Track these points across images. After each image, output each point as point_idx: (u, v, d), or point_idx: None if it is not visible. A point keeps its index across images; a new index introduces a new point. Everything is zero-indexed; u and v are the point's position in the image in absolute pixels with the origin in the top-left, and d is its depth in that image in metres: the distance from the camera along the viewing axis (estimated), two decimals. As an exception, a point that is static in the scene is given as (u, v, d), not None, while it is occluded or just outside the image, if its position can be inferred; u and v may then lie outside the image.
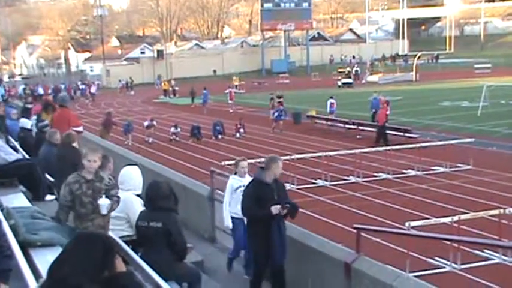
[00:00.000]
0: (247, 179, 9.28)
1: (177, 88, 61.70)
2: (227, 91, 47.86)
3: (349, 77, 64.17)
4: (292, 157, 21.01)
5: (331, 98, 36.97)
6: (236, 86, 61.00)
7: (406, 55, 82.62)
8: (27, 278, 4.35)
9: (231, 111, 43.84)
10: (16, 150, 10.56)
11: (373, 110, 32.24)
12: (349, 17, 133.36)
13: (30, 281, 4.26)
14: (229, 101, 46.27)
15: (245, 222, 8.80)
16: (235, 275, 9.77)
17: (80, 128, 13.83)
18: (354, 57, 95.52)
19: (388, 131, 27.52)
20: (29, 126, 13.32)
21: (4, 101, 25.49)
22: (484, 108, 35.22)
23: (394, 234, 12.18)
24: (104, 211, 6.55)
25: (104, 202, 6.56)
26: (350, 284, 7.64)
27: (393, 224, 14.32)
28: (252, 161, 20.90)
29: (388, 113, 28.23)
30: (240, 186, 9.29)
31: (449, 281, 10.68)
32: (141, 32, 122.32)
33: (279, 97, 38.75)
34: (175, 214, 6.76)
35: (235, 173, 9.72)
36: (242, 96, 56.15)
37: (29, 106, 16.91)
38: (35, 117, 14.68)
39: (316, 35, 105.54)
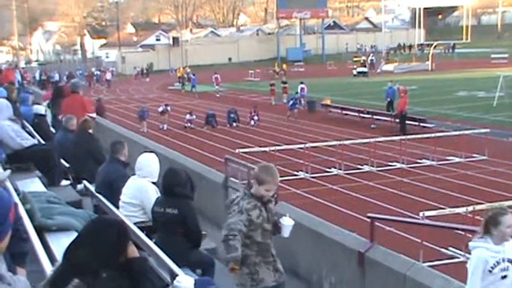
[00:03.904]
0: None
1: (192, 75, 61.84)
2: (214, 77, 50.36)
3: (365, 66, 63.97)
4: (307, 145, 21.00)
5: (302, 83, 39.06)
6: (277, 72, 61.32)
7: (422, 44, 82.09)
8: (43, 262, 4.38)
9: (217, 95, 47.62)
10: (32, 135, 10.60)
11: (388, 100, 32.13)
12: (365, 6, 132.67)
13: (45, 265, 4.28)
14: (216, 86, 49.47)
15: None
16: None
17: (94, 114, 13.94)
18: (372, 46, 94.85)
19: (406, 121, 27.41)
20: (43, 112, 13.39)
21: (21, 86, 25.57)
22: (500, 98, 34.93)
23: (408, 224, 12.17)
24: (288, 233, 5.51)
25: (289, 222, 5.50)
26: (364, 272, 7.64)
27: (407, 213, 14.29)
28: (266, 149, 21.00)
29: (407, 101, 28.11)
30: (501, 261, 5.34)
31: (463, 272, 10.61)
32: (156, 19, 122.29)
33: (284, 83, 41.66)
34: (191, 201, 6.76)
35: (486, 237, 5.42)
36: (257, 84, 56.09)
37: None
38: (46, 102, 14.78)
39: (332, 24, 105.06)
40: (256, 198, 5.30)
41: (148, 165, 7.47)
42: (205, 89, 50.88)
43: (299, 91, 38.22)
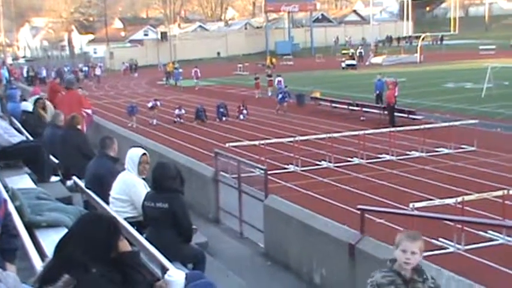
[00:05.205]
0: None
1: (180, 70, 61.62)
2: (193, 71, 51.30)
3: (353, 59, 64.07)
4: (296, 139, 21.01)
5: (279, 76, 41.09)
6: (269, 66, 61.16)
7: (410, 36, 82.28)
8: (33, 258, 4.37)
9: (196, 88, 48.87)
10: (20, 132, 10.57)
11: (377, 92, 32.20)
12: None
13: (35, 261, 4.28)
14: (195, 79, 50.51)
15: None
16: (239, 256, 9.80)
17: (90, 111, 13.96)
18: (363, 38, 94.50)
19: (395, 113, 27.50)
20: (30, 109, 13.36)
21: (8, 83, 25.46)
22: (488, 89, 35.07)
23: (398, 215, 12.22)
24: None
25: None
26: (354, 264, 7.67)
27: (397, 205, 14.34)
28: (256, 142, 21.00)
29: (396, 94, 28.18)
30: None
31: (453, 262, 10.69)
32: (144, 14, 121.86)
33: (269, 76, 42.83)
34: (182, 195, 6.76)
35: None
36: (246, 78, 56.06)
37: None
38: (34, 97, 14.75)
39: (320, 17, 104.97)
40: (396, 273, 4.40)
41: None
42: (192, 84, 50.73)
43: (276, 84, 39.47)
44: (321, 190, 16.64)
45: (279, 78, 40.03)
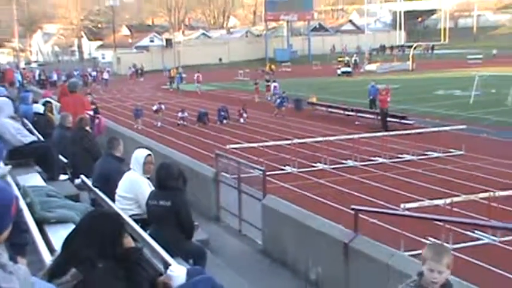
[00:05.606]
0: None
1: (184, 75, 61.62)
2: (195, 75, 51.32)
3: (349, 66, 64.10)
4: (294, 141, 21.01)
5: (274, 81, 42.14)
6: (268, 73, 61.13)
7: (402, 45, 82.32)
8: (43, 252, 4.37)
9: (198, 92, 48.82)
10: (32, 132, 10.55)
11: (371, 97, 32.22)
12: (349, 9, 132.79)
13: (45, 255, 4.28)
14: (196, 84, 50.32)
15: None
16: (238, 252, 9.80)
17: (91, 112, 13.97)
18: (358, 47, 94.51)
19: (388, 118, 27.51)
20: (41, 111, 13.34)
21: (21, 86, 25.42)
22: (476, 96, 35.12)
23: (390, 216, 12.22)
24: None
25: None
26: (348, 262, 7.66)
27: (389, 205, 14.33)
28: (255, 145, 21.01)
29: (388, 100, 28.20)
30: None
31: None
32: (150, 21, 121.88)
33: (267, 81, 43.56)
34: (184, 194, 6.75)
35: None
36: (246, 83, 56.09)
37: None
38: (43, 100, 14.73)
39: (318, 26, 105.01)
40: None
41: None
42: (194, 88, 50.66)
43: (272, 89, 39.98)
44: (317, 191, 16.64)
45: (275, 84, 40.58)
